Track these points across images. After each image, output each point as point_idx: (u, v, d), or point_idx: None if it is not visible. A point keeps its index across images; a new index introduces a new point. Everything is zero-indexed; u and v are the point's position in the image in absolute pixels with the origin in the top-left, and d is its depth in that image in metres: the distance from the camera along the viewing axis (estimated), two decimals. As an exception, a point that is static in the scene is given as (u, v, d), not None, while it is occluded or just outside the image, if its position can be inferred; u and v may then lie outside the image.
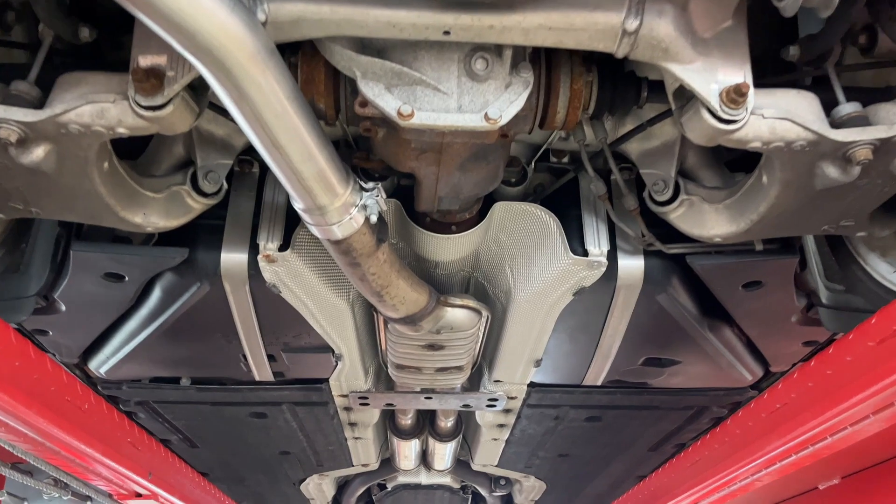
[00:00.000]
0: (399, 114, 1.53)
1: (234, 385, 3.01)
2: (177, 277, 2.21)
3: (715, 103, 1.50)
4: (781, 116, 1.56)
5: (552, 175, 2.27)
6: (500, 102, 1.57)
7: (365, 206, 1.76)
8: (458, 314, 2.39)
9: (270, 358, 2.73)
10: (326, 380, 2.99)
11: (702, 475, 3.84)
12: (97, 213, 1.83)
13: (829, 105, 1.65)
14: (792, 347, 2.61)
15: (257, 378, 2.91)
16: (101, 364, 2.71)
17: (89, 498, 3.23)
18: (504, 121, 1.55)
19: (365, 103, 1.56)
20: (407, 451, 4.08)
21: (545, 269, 2.21)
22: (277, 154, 1.48)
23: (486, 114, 1.55)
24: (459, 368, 2.77)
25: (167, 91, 1.49)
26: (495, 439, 3.83)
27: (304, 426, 3.49)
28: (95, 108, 1.52)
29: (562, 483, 4.68)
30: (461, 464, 4.66)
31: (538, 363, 2.75)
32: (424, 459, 4.50)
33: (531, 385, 3.04)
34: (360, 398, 3.10)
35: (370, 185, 1.77)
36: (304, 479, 4.60)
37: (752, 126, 1.55)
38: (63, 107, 1.52)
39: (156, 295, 2.31)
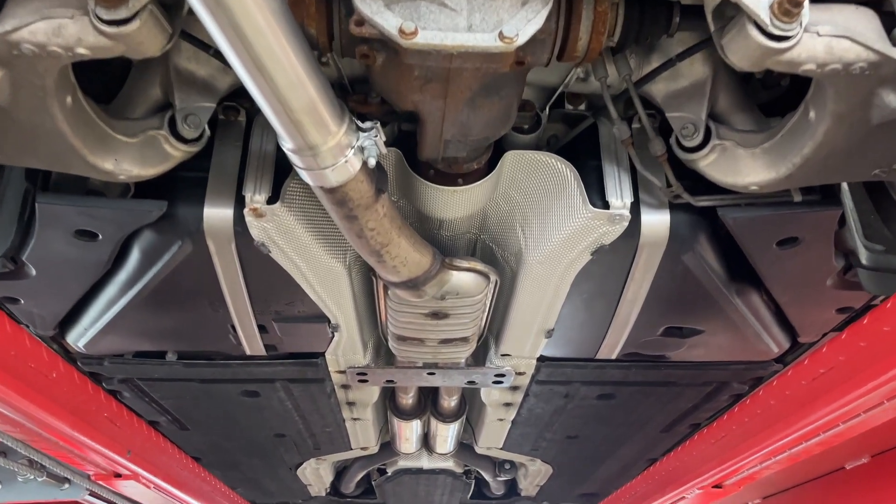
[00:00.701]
0: (401, 32, 1.33)
1: (224, 360, 2.81)
2: (156, 236, 2.01)
3: (765, 16, 1.30)
4: (839, 34, 1.36)
5: (567, 125, 2.07)
6: (515, 21, 1.37)
7: (362, 149, 1.57)
8: (464, 278, 2.20)
9: (261, 329, 2.54)
10: (322, 354, 2.80)
11: (721, 456, 3.68)
12: (62, 157, 1.63)
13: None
14: (825, 315, 2.41)
15: (248, 352, 2.72)
16: (80, 336, 2.52)
17: (67, 480, 3.04)
18: (521, 40, 1.36)
19: (362, 21, 1.36)
20: (408, 433, 3.90)
21: (561, 226, 2.01)
22: (261, 79, 1.29)
23: (500, 32, 1.35)
24: (465, 340, 2.58)
25: (133, 2, 1.30)
26: (501, 420, 3.64)
27: (300, 406, 3.31)
28: (51, 24, 1.33)
29: (569, 467, 4.51)
30: (464, 447, 4.48)
31: (549, 334, 2.56)
32: (426, 442, 4.32)
33: (541, 359, 2.85)
34: (358, 374, 2.91)
35: (368, 124, 1.58)
36: (301, 464, 4.41)
37: (805, 45, 1.35)
38: (14, 23, 1.33)
39: (134, 256, 2.11)
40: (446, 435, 3.97)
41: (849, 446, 2.95)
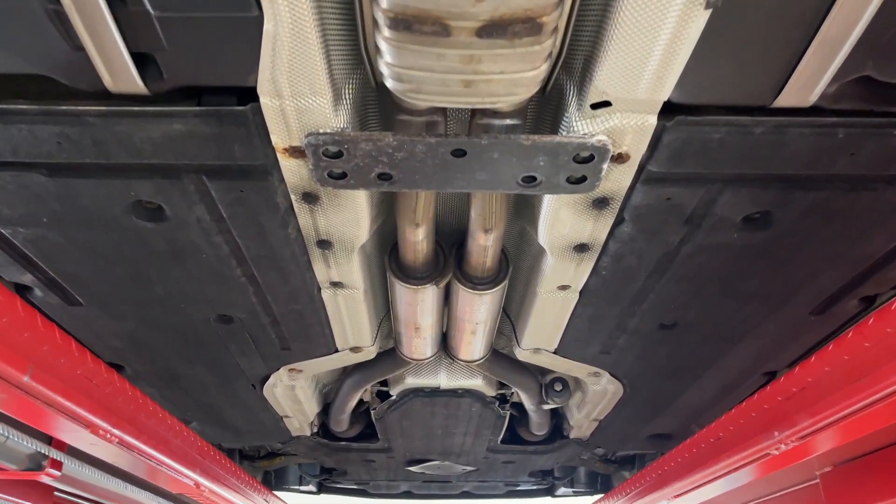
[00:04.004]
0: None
1: (69, 104, 1.50)
2: None
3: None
4: None
5: None
6: None
7: None
8: None
9: (109, -12, 1.23)
10: (253, 91, 1.48)
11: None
12: None
13: None
14: None
15: (110, 84, 1.42)
16: None
17: None
18: None
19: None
20: (419, 317, 2.55)
21: None
22: None
23: None
24: (533, 28, 1.24)
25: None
26: (564, 288, 2.32)
27: (239, 243, 2.00)
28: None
29: (648, 384, 3.17)
30: (499, 357, 3.15)
31: (713, 2, 1.22)
32: (445, 346, 2.99)
33: (668, 112, 1.52)
34: (326, 155, 1.58)
35: None
36: (267, 378, 3.11)
37: None
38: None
39: None
40: (476, 322, 2.62)
41: None
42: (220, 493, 3.11)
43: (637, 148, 1.61)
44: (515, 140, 1.56)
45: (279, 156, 1.64)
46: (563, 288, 2.32)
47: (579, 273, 2.21)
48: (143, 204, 1.84)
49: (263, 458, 5.08)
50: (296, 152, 1.63)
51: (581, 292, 2.35)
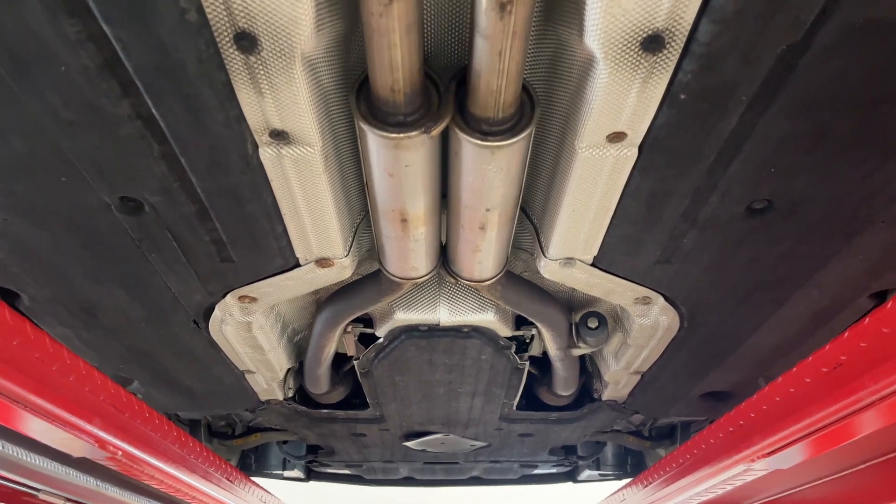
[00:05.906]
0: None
1: None
2: None
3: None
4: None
5: None
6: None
7: None
8: None
9: None
10: None
11: None
12: None
13: None
14: None
15: None
16: None
17: None
18: None
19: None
20: (407, 198, 1.74)
21: None
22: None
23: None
24: None
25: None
26: (617, 139, 1.56)
27: (108, 34, 1.25)
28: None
29: (712, 318, 2.40)
30: (517, 282, 2.38)
31: None
32: (446, 259, 2.22)
33: None
34: None
35: None
36: (211, 309, 2.36)
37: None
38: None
39: None
40: (487, 207, 1.85)
41: None
42: (142, 458, 2.37)
43: None
44: None
45: None
46: (617, 138, 1.56)
47: (643, 103, 1.45)
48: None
49: (238, 435, 4.34)
50: None
51: (641, 146, 1.59)
